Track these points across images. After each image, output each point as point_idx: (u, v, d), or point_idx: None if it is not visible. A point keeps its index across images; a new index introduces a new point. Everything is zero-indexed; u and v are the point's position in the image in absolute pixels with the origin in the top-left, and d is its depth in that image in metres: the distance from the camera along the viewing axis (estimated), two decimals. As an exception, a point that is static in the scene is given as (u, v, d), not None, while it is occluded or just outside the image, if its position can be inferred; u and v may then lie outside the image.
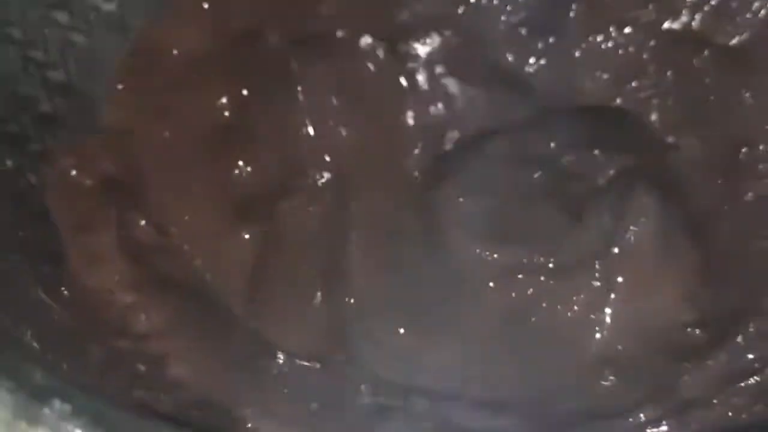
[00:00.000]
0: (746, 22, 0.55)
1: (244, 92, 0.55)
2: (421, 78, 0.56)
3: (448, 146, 0.54)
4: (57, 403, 0.31)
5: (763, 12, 0.54)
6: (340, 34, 0.55)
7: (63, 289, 0.44)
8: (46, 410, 0.31)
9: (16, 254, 0.43)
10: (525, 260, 0.48)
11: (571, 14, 0.58)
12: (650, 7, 0.56)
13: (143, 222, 0.50)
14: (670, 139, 0.54)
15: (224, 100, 0.55)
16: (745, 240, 0.50)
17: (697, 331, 0.46)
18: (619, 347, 0.46)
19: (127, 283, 0.47)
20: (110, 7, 0.54)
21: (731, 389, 0.42)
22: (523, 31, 0.58)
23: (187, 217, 0.52)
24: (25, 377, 0.32)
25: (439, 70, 0.56)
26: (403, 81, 0.55)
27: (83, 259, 0.47)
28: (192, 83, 0.55)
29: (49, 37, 0.51)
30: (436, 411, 0.45)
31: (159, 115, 0.54)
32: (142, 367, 0.43)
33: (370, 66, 0.55)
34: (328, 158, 0.53)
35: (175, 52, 0.56)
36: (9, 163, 0.47)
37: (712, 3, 0.55)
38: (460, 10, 0.57)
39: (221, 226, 0.52)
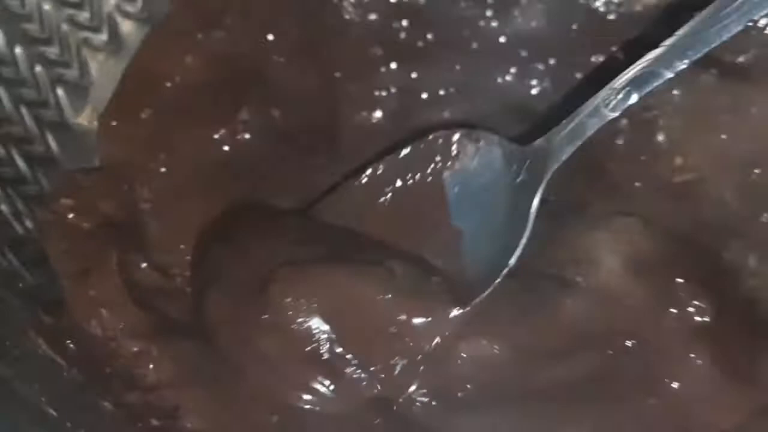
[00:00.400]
0: (753, 40, 0.54)
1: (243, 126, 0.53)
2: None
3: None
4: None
5: (768, 29, 0.53)
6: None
7: (68, 341, 0.42)
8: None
9: (18, 305, 0.41)
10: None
11: (572, 35, 0.57)
12: (653, 26, 0.55)
13: (144, 264, 0.48)
14: (678, 161, 0.54)
15: (222, 132, 0.53)
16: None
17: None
18: None
19: (132, 330, 0.45)
20: (101, 39, 0.52)
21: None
22: (524, 53, 0.57)
23: (186, 257, 0.50)
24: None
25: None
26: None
27: (85, 307, 0.45)
28: (186, 116, 0.53)
29: (39, 74, 0.49)
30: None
31: (154, 149, 0.52)
32: (155, 422, 0.41)
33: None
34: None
35: (168, 84, 0.54)
36: (4, 208, 0.45)
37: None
38: (464, 33, 0.57)
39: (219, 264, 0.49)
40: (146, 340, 0.44)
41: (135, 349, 0.44)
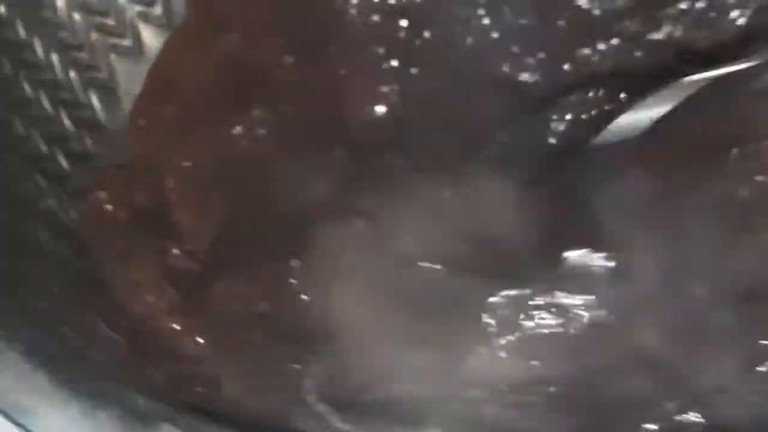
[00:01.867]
0: (724, 30, 0.58)
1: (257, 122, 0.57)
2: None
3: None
4: (167, 428, 0.33)
5: (741, 20, 0.58)
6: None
7: (118, 318, 0.46)
8: (157, 435, 0.33)
9: (72, 289, 0.45)
10: None
11: (560, 30, 0.61)
12: (635, 19, 0.60)
13: (176, 250, 0.52)
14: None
15: (238, 128, 0.57)
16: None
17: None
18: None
19: (173, 309, 0.49)
20: (126, 44, 0.56)
21: (753, 376, 0.45)
22: (515, 48, 0.61)
23: (213, 244, 0.54)
24: (130, 403, 0.34)
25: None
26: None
27: (128, 289, 0.49)
28: (205, 114, 0.57)
29: (74, 78, 0.53)
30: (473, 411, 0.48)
31: (178, 145, 0.56)
32: (200, 389, 0.45)
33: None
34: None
35: (187, 84, 0.58)
36: (51, 201, 0.49)
37: (693, 13, 0.59)
38: (458, 31, 0.61)
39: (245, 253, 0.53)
40: (186, 317, 0.49)
41: (176, 326, 0.48)
